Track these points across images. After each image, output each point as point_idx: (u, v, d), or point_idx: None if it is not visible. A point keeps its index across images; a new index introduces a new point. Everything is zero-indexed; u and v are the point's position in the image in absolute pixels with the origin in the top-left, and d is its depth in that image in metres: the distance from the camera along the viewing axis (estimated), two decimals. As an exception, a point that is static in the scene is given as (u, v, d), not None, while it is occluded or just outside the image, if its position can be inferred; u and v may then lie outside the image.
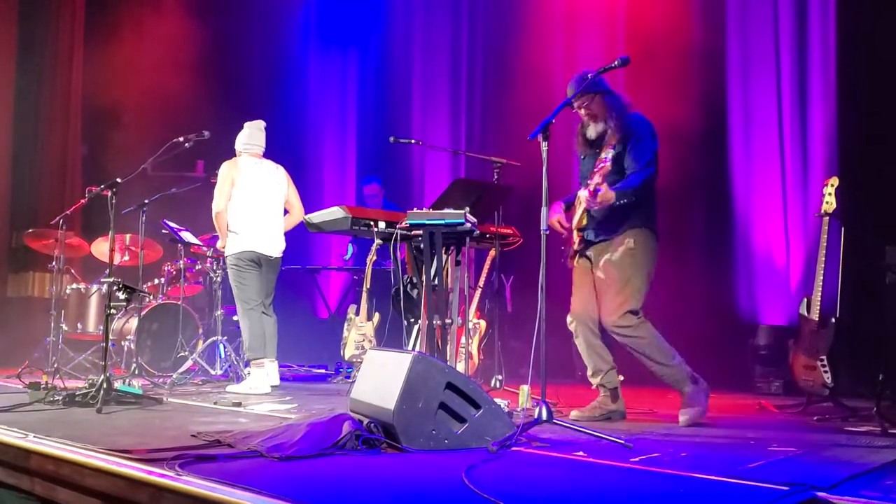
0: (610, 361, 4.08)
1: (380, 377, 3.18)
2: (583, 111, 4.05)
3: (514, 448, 2.97)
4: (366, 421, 3.08)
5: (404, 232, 4.26)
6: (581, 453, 2.95)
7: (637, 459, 2.83)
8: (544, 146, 3.36)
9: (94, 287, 6.61)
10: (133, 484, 2.44)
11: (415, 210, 3.92)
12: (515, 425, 3.09)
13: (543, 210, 3.34)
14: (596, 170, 3.87)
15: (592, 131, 4.06)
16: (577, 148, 4.21)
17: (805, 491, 2.29)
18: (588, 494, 2.38)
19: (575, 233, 4.10)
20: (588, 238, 4.07)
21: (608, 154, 3.85)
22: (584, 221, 4.05)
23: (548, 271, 3.36)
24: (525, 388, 4.02)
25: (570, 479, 2.58)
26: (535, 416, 3.20)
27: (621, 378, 4.12)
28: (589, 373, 4.13)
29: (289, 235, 5.54)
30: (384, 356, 3.33)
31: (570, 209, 4.20)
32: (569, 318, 4.20)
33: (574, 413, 4.04)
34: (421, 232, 4.01)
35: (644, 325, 3.90)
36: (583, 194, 3.85)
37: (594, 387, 4.12)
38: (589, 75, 3.74)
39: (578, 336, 4.14)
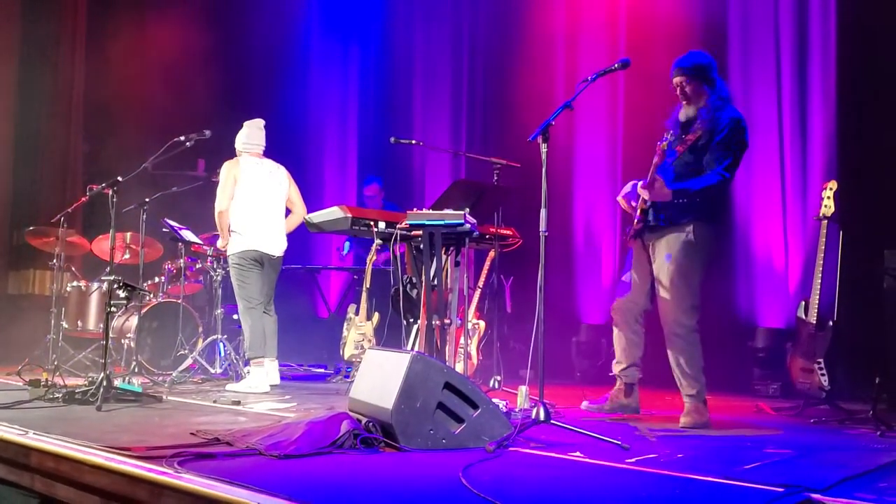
0: (635, 358, 4.14)
1: (378, 377, 3.20)
2: (677, 90, 4.02)
3: (511, 448, 2.99)
4: (364, 420, 3.10)
5: (404, 232, 4.27)
6: (578, 454, 2.96)
7: (633, 460, 2.85)
8: (544, 148, 3.38)
9: (95, 285, 6.62)
10: (132, 481, 2.46)
11: (415, 210, 3.94)
12: (513, 425, 3.11)
13: (542, 212, 3.35)
14: (667, 149, 3.90)
15: (683, 114, 4.02)
16: (672, 126, 4.13)
17: (799, 493, 2.31)
18: (584, 495, 2.39)
19: (638, 211, 4.05)
20: (648, 219, 4.00)
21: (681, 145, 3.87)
22: (649, 203, 3.99)
23: (546, 273, 3.38)
24: (523, 388, 4.04)
25: (567, 479, 2.60)
26: (533, 417, 3.22)
27: (639, 376, 4.20)
28: (615, 361, 4.21)
29: (289, 235, 5.55)
30: (383, 356, 3.35)
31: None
32: (612, 308, 4.22)
33: (585, 404, 4.15)
34: (421, 232, 4.03)
35: (697, 331, 3.93)
36: (639, 187, 3.90)
37: (612, 376, 4.21)
38: (588, 78, 3.73)
39: (616, 326, 4.19)
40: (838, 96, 5.58)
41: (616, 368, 4.19)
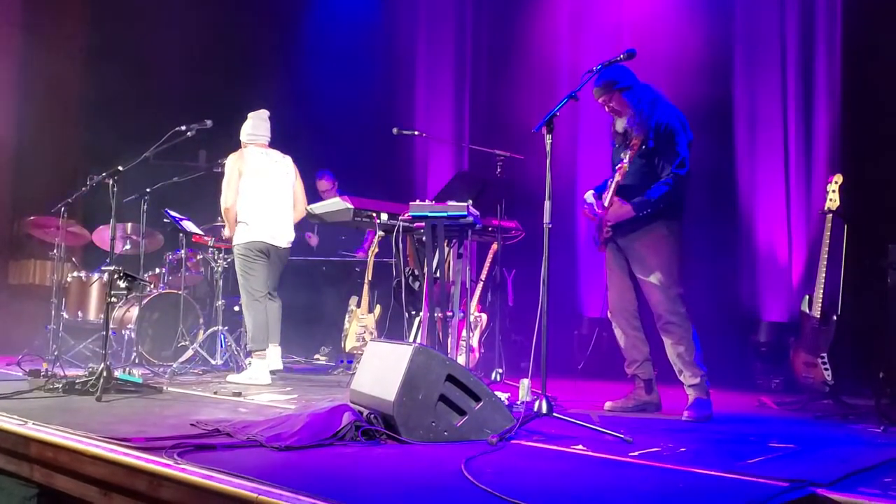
0: (645, 353, 4.17)
1: (380, 369, 3.18)
2: (606, 108, 4.10)
3: (513, 441, 2.98)
4: (366, 412, 3.08)
5: (406, 224, 4.23)
6: (580, 447, 2.94)
7: (636, 454, 2.83)
8: (548, 139, 3.35)
9: (95, 275, 6.60)
10: (132, 472, 2.44)
11: (417, 202, 3.91)
12: (515, 418, 3.09)
13: (546, 203, 3.32)
14: (617, 168, 3.96)
15: (619, 125, 4.10)
16: (612, 138, 4.26)
17: (804, 487, 2.29)
18: (586, 487, 2.37)
19: (603, 222, 4.11)
20: (616, 226, 4.07)
21: (625, 156, 3.94)
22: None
23: (550, 265, 3.35)
24: (525, 381, 4.02)
25: (569, 472, 2.58)
26: (536, 410, 3.19)
27: (655, 371, 4.22)
28: (626, 363, 4.23)
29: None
30: (385, 348, 3.33)
31: (601, 196, 4.23)
32: (608, 313, 4.29)
33: (608, 404, 4.14)
34: (423, 224, 4.00)
35: (689, 319, 4.00)
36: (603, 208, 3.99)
37: (629, 376, 4.22)
38: (594, 68, 3.71)
39: (617, 328, 4.23)
40: (844, 89, 5.55)
41: (630, 368, 4.21)
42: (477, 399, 3.04)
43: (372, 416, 3.03)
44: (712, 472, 2.51)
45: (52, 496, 2.93)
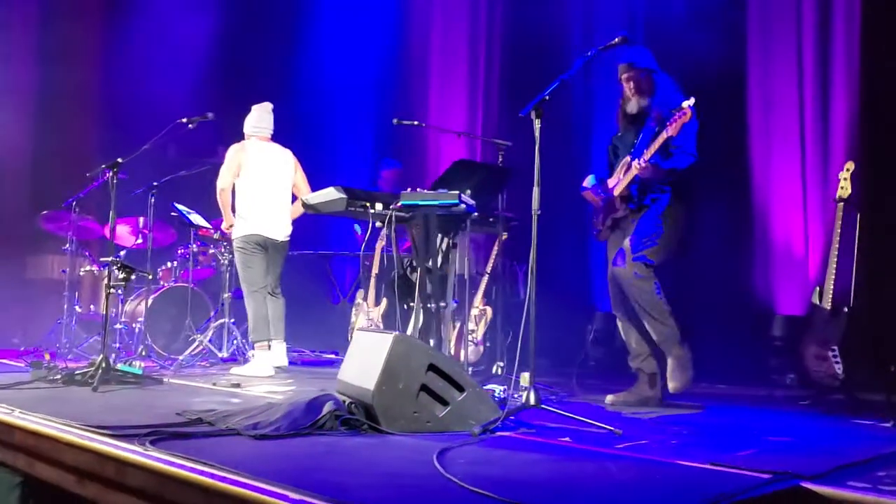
0: (652, 347, 4.08)
1: (363, 358, 3.14)
2: (631, 84, 4.10)
3: (498, 433, 2.91)
4: (348, 402, 3.04)
5: (401, 214, 4.16)
6: (567, 439, 2.88)
7: (623, 446, 2.75)
8: (537, 124, 3.29)
9: (105, 269, 6.66)
10: (101, 459, 2.43)
11: (408, 190, 3.85)
12: (501, 409, 3.02)
13: (535, 190, 3.25)
14: (660, 134, 3.90)
15: (634, 106, 4.11)
16: (619, 122, 4.27)
17: (787, 479, 2.20)
18: (556, 478, 2.31)
19: (617, 201, 4.12)
20: (632, 199, 4.07)
21: (671, 129, 3.87)
22: (626, 192, 4.09)
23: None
24: (526, 374, 3.95)
25: (544, 463, 2.51)
26: (524, 401, 3.12)
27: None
28: (630, 357, 4.17)
29: (302, 220, 5.50)
30: (369, 337, 3.29)
31: (602, 183, 4.26)
32: (612, 306, 4.24)
33: (609, 398, 4.07)
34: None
35: (653, 280, 3.95)
36: (636, 164, 3.94)
37: (633, 370, 4.15)
38: (589, 53, 3.62)
39: (620, 321, 4.18)
40: (862, 76, 5.35)
41: (634, 362, 4.13)
42: (461, 389, 2.98)
43: (353, 405, 2.98)
44: (694, 464, 2.43)
45: (35, 484, 2.94)
